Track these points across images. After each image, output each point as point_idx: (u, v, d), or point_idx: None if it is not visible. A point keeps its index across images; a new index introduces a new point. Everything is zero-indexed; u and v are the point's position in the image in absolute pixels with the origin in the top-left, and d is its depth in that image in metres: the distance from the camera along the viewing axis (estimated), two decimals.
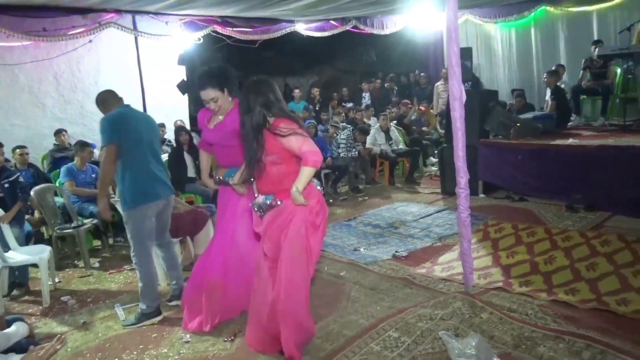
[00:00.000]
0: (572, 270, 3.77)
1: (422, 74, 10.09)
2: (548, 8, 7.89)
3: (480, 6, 8.30)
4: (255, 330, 2.85)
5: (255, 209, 2.72)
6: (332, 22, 8.11)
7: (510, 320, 2.93)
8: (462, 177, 3.13)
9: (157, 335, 3.18)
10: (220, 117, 3.12)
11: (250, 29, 7.29)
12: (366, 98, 9.95)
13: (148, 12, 6.54)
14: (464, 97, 3.06)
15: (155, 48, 6.90)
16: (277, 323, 2.66)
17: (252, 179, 2.75)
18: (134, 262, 3.32)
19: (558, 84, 7.06)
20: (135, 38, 6.66)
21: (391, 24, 8.68)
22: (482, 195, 6.19)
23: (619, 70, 6.95)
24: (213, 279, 3.18)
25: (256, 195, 2.75)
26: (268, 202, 2.64)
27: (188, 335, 3.12)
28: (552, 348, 2.60)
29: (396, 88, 10.80)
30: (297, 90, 9.35)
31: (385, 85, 10.87)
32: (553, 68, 7.39)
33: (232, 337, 3.05)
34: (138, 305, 3.40)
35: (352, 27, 8.36)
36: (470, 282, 3.34)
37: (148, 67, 6.87)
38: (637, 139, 5.33)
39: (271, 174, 2.60)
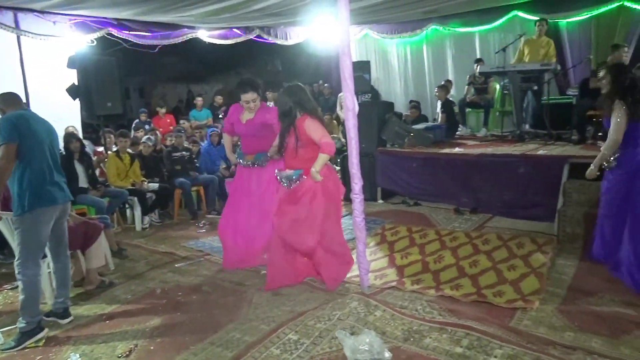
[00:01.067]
0: (458, 267, 4.12)
1: (325, 85, 10.41)
2: (438, 27, 8.56)
3: (376, 22, 8.77)
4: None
5: (282, 179, 3.59)
6: (235, 30, 8.09)
7: (401, 316, 3.14)
8: (357, 183, 3.30)
9: (43, 357, 2.95)
10: (251, 114, 4.07)
11: (148, 33, 7.04)
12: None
13: (32, 10, 6.06)
14: (357, 108, 3.23)
15: (42, 49, 6.41)
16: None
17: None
18: (17, 271, 3.06)
19: (448, 97, 7.68)
20: (18, 37, 6.13)
21: (295, 35, 8.87)
22: (380, 201, 6.53)
23: (497, 86, 7.72)
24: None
25: (281, 170, 3.66)
26: (294, 177, 3.51)
27: (77, 355, 2.93)
28: (436, 339, 2.83)
29: None
30: (199, 98, 9.15)
31: None
32: (442, 83, 8.03)
33: (128, 353, 2.92)
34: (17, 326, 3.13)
35: (256, 37, 8.41)
36: (365, 283, 3.52)
37: (33, 69, 6.35)
38: (511, 148, 5.96)
39: (299, 155, 3.51)
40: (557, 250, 4.39)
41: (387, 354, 2.64)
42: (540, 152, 5.47)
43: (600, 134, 5.51)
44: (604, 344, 2.77)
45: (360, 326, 3.00)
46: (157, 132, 7.21)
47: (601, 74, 3.95)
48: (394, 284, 3.80)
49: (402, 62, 9.38)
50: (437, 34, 8.77)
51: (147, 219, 5.97)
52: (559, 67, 6.84)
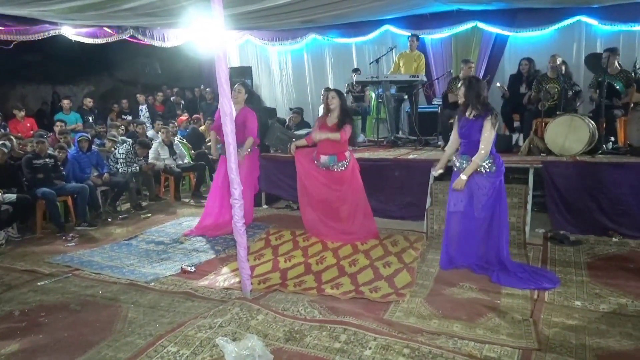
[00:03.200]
0: (338, 267, 4.29)
1: (207, 89, 10.18)
2: (317, 37, 8.87)
3: (257, 29, 8.82)
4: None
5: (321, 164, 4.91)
6: (106, 29, 7.58)
7: (283, 317, 3.18)
8: (236, 188, 3.29)
9: None
10: (235, 111, 4.72)
11: (1, 27, 6.30)
12: (143, 111, 9.51)
13: None
14: (234, 113, 3.22)
15: None
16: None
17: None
18: None
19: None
20: None
21: (173, 37, 8.55)
22: (265, 206, 6.56)
23: (373, 95, 8.21)
24: None
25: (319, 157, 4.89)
26: (332, 163, 4.87)
27: None
28: (316, 336, 2.92)
29: (182, 102, 10.65)
30: (66, 101, 8.33)
31: (172, 99, 10.62)
32: (323, 91, 8.29)
33: None
34: None
35: (129, 37, 7.95)
36: (247, 288, 3.51)
37: None
38: (386, 153, 6.36)
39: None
40: (426, 246, 4.78)
41: (269, 356, 2.66)
42: (411, 156, 5.92)
43: None
44: (463, 327, 3.08)
45: (242, 331, 2.98)
46: (12, 137, 6.43)
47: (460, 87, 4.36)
48: (277, 287, 3.85)
49: (284, 69, 9.55)
50: (317, 43, 9.08)
51: (2, 234, 5.31)
52: (424, 79, 7.49)
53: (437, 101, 7.77)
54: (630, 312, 3.27)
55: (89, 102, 8.89)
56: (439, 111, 7.24)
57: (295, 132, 6.76)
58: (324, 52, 9.16)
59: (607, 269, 4.06)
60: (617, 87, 5.82)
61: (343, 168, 4.93)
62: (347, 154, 4.96)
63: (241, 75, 7.04)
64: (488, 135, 3.80)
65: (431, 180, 5.46)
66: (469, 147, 3.96)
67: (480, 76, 7.53)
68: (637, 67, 6.00)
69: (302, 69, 9.40)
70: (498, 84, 7.32)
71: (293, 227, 5.42)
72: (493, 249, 4.05)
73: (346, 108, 4.95)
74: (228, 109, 3.18)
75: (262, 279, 4.02)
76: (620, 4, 6.65)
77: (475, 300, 3.50)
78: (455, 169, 4.08)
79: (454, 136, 4.15)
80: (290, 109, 8.52)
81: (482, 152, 3.83)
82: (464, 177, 3.90)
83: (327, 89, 5.11)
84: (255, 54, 9.58)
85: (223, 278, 4.09)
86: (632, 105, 5.78)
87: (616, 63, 6.02)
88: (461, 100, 4.02)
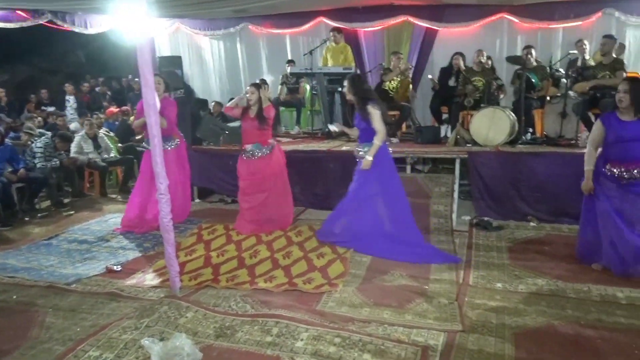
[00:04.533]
0: (272, 260, 4.26)
1: (136, 79, 9.72)
2: (250, 27, 8.71)
3: (188, 17, 8.52)
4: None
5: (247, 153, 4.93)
6: (20, 12, 7.00)
7: (214, 314, 3.11)
8: (162, 182, 3.16)
9: None
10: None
11: None
12: (71, 102, 8.95)
13: None
14: (159, 105, 3.08)
15: None
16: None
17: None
18: None
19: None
20: None
21: (96, 24, 8.05)
22: (197, 200, 6.39)
23: (308, 87, 8.19)
24: None
25: None
26: (257, 149, 4.94)
27: None
28: (248, 331, 2.88)
29: (109, 93, 10.12)
30: None
31: (97, 89, 10.06)
32: (258, 81, 8.16)
33: None
34: None
35: (47, 22, 7.40)
36: (176, 285, 3.40)
37: None
38: (320, 144, 6.36)
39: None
40: None
41: (198, 354, 2.59)
42: (344, 148, 5.98)
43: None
44: (393, 314, 3.17)
45: (170, 330, 2.88)
46: None
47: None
48: (208, 282, 3.76)
49: (217, 59, 9.29)
50: (251, 34, 8.92)
51: None
52: (358, 71, 7.57)
53: None
54: (544, 292, 3.50)
55: (0, 92, 8.21)
56: None
57: (229, 124, 6.62)
58: (258, 43, 9.01)
59: (525, 252, 4.32)
60: (533, 81, 6.17)
61: (268, 151, 4.96)
62: (270, 140, 5.02)
63: (171, 65, 6.75)
64: (376, 116, 4.25)
65: None
66: (365, 135, 4.42)
67: (412, 69, 7.73)
68: (553, 62, 6.41)
69: (235, 59, 9.19)
70: (429, 76, 7.56)
71: (226, 221, 5.31)
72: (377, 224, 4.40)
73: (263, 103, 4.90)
74: (152, 100, 3.04)
75: (193, 275, 3.91)
76: (539, 2, 7.04)
77: (405, 287, 3.60)
78: (358, 159, 4.51)
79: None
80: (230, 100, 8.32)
81: (379, 133, 4.28)
82: (369, 157, 4.30)
83: (251, 84, 5.05)
84: (187, 44, 9.25)
85: (152, 276, 3.94)
86: (548, 98, 6.16)
87: (533, 59, 6.38)
88: (349, 97, 4.47)
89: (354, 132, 4.71)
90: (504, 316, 3.12)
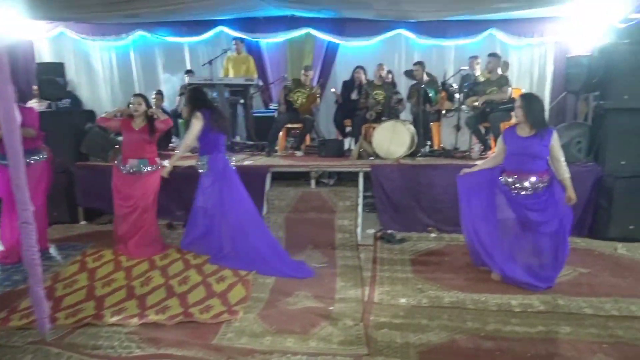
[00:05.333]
0: (167, 287, 3.89)
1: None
2: (145, 34, 8.16)
3: (73, 20, 7.75)
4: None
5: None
6: None
7: (92, 359, 2.71)
8: (27, 209, 2.69)
9: None
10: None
11: None
12: None
13: None
14: (19, 118, 2.64)
15: None
16: None
17: None
18: None
19: (162, 106, 7.38)
20: None
21: None
22: (83, 222, 5.78)
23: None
24: None
25: None
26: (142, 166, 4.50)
27: None
28: None
29: None
30: None
31: None
32: (155, 92, 7.64)
33: None
34: None
35: None
36: (46, 327, 2.92)
37: None
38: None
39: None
40: None
41: None
42: (247, 162, 5.74)
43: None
44: (297, 341, 2.98)
45: None
46: None
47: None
48: (90, 319, 3.31)
49: (108, 67, 8.56)
50: (145, 41, 8.34)
51: None
52: (261, 83, 7.39)
53: (274, 105, 7.74)
54: (446, 304, 3.53)
55: None
56: (276, 115, 7.22)
57: (118, 138, 6.06)
58: (153, 51, 8.45)
59: (427, 263, 4.38)
60: (431, 95, 6.41)
61: (154, 169, 4.59)
62: (157, 159, 4.65)
63: (51, 73, 6.06)
64: (189, 129, 4.33)
65: (267, 186, 5.35)
66: (203, 147, 4.44)
67: (315, 81, 7.68)
68: (447, 77, 6.70)
69: (129, 68, 8.54)
70: (332, 90, 7.57)
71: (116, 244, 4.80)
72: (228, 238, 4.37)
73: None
74: (9, 113, 2.58)
75: (71, 312, 3.43)
76: (432, 20, 7.37)
77: (309, 310, 3.44)
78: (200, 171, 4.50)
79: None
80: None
81: (183, 142, 4.52)
82: (168, 166, 4.49)
83: (135, 95, 4.71)
84: (72, 50, 8.39)
85: (19, 315, 3.39)
86: (443, 112, 6.42)
87: (424, 75, 6.64)
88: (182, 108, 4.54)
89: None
90: (408, 334, 3.07)
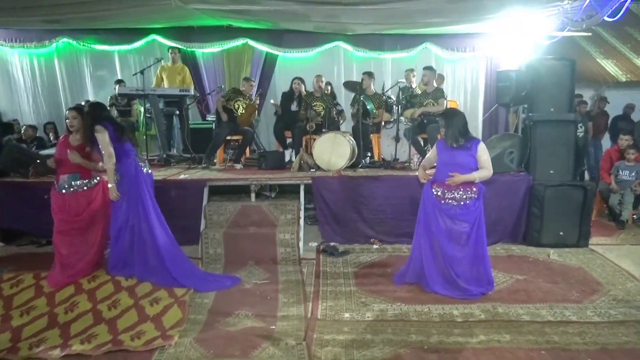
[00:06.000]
0: (94, 313, 3.59)
1: None
2: (70, 41, 7.67)
3: None
4: None
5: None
6: None
7: None
8: None
9: None
10: None
11: None
12: None
13: None
14: None
15: None
16: None
17: None
18: None
19: None
20: None
21: None
22: (0, 245, 5.27)
23: (142, 109, 7.48)
24: None
25: None
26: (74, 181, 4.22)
27: None
28: None
29: None
30: None
31: None
32: (83, 103, 7.18)
33: None
34: None
35: None
36: None
37: None
38: (157, 172, 5.68)
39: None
40: None
41: None
42: (182, 176, 5.48)
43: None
44: None
45: None
46: None
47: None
48: (3, 354, 2.97)
49: (29, 76, 7.97)
50: (71, 49, 7.86)
51: None
52: (197, 94, 7.16)
53: (211, 117, 7.51)
54: (389, 317, 3.49)
55: None
56: (214, 126, 7.00)
57: (41, 152, 5.62)
58: (80, 60, 7.96)
59: (370, 276, 4.34)
60: (369, 108, 6.46)
61: (93, 185, 4.29)
62: (94, 173, 4.34)
63: None
64: (101, 142, 4.04)
65: (205, 201, 5.13)
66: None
67: (254, 92, 7.55)
68: (385, 90, 6.79)
69: (53, 77, 7.99)
70: (272, 101, 7.46)
71: (38, 268, 4.39)
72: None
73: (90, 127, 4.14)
74: None
75: None
76: (370, 34, 7.48)
77: (250, 330, 3.28)
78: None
79: None
80: (47, 124, 7.19)
81: (105, 156, 4.08)
82: (110, 185, 4.12)
83: (69, 108, 4.36)
84: None
85: None
86: (383, 124, 6.48)
87: (372, 86, 6.70)
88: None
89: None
90: (352, 351, 2.99)
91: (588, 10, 5.23)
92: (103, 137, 4.04)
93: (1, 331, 3.30)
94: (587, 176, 7.91)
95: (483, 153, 3.79)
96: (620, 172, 6.13)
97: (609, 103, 8.71)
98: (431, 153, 4.06)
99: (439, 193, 3.83)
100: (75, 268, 4.19)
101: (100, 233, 4.33)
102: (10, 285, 4.11)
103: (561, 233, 5.09)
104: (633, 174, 6.05)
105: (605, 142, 8.67)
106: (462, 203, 3.78)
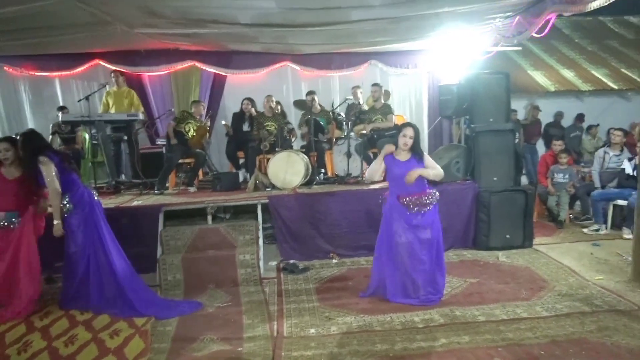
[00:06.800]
0: (51, 351, 3.45)
1: None
2: (5, 68, 7.36)
3: None
4: None
5: None
6: None
7: None
8: None
9: None
10: None
11: None
12: None
13: None
14: None
15: None
16: None
17: None
18: None
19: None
20: None
21: None
22: None
23: (87, 136, 7.26)
24: None
25: None
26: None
27: None
28: None
29: None
30: None
31: None
32: (26, 130, 6.85)
33: None
34: None
35: None
36: None
37: None
38: (107, 200, 5.53)
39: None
40: None
41: None
42: (135, 202, 5.38)
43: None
44: None
45: None
46: None
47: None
48: None
49: None
50: (7, 76, 7.53)
51: None
52: (146, 118, 7.05)
53: (161, 141, 7.40)
54: (354, 329, 3.58)
55: None
56: (164, 150, 6.91)
57: None
58: (18, 86, 7.61)
59: (332, 290, 4.42)
60: (322, 123, 6.61)
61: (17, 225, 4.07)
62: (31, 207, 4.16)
63: None
64: (46, 175, 3.86)
65: (160, 226, 5.05)
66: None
67: (204, 114, 7.52)
68: (335, 107, 6.97)
69: None
70: (223, 122, 7.45)
71: None
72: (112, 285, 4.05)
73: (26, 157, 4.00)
74: None
75: None
76: (316, 53, 7.65)
77: (217, 354, 3.27)
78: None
79: None
80: None
81: (51, 191, 3.90)
82: (56, 221, 3.92)
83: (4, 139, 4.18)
84: None
85: None
86: (334, 140, 6.64)
87: (317, 104, 6.86)
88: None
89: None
90: None
91: (518, 27, 5.63)
92: (48, 169, 3.87)
93: None
94: (525, 180, 8.41)
95: (428, 158, 4.07)
96: (556, 175, 6.58)
97: (541, 111, 9.33)
98: (377, 165, 4.14)
99: (404, 202, 3.96)
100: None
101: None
102: None
103: (507, 236, 5.39)
104: (567, 176, 6.52)
105: (540, 147, 9.27)
106: (426, 209, 3.94)
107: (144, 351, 3.36)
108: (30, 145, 3.95)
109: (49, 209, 4.14)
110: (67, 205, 3.99)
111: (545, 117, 9.43)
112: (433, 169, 3.99)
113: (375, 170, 4.17)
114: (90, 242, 4.03)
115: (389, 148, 4.04)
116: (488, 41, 6.70)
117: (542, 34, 5.30)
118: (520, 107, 9.12)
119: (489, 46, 6.91)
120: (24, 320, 3.92)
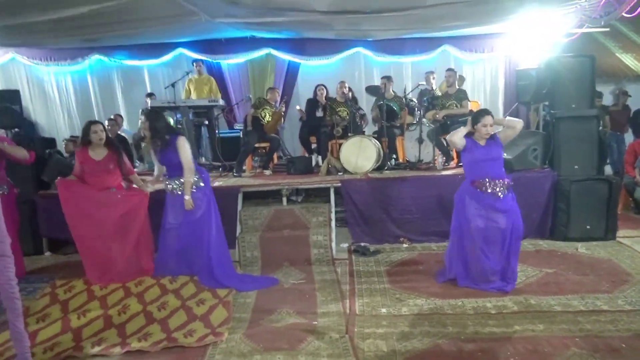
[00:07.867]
0: (145, 314, 3.81)
1: None
2: (102, 58, 8.03)
3: (25, 46, 7.54)
4: None
5: None
6: None
7: None
8: (2, 241, 2.61)
9: None
10: None
11: None
12: None
13: None
14: None
15: None
16: None
17: None
18: None
19: (119, 132, 7.26)
20: None
21: None
22: (47, 254, 5.59)
23: (172, 121, 7.74)
24: None
25: None
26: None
27: None
28: None
29: None
30: None
31: None
32: (112, 117, 7.51)
33: None
34: None
35: None
36: None
37: None
38: None
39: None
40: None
41: None
42: (216, 183, 5.72)
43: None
44: (286, 357, 3.00)
45: None
46: None
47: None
48: (69, 352, 3.21)
49: (64, 93, 8.36)
50: (103, 65, 8.22)
51: None
52: (224, 104, 7.42)
53: (238, 126, 7.77)
54: (425, 311, 3.64)
55: None
56: (242, 135, 7.26)
57: None
58: (111, 75, 8.32)
59: (402, 273, 4.50)
60: (395, 109, 6.62)
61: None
62: (123, 183, 4.64)
63: (6, 101, 5.87)
64: (185, 153, 4.21)
65: (239, 206, 5.35)
66: (174, 170, 4.33)
67: (279, 100, 7.79)
68: (407, 92, 6.96)
69: (86, 93, 8.36)
70: (297, 107, 7.68)
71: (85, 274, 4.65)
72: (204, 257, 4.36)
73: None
74: None
75: (48, 346, 3.30)
76: (389, 39, 7.65)
77: (294, 326, 3.47)
78: (169, 192, 4.39)
79: (157, 164, 4.51)
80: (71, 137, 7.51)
81: (187, 169, 4.23)
82: (187, 197, 4.24)
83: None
84: (25, 76, 8.16)
85: None
86: (406, 125, 6.64)
87: (391, 89, 6.88)
88: (147, 133, 4.33)
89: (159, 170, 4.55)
90: (393, 342, 3.16)
91: (606, 7, 5.32)
92: (186, 147, 4.23)
93: (63, 332, 3.54)
94: (610, 170, 7.94)
95: (499, 134, 4.06)
96: None
97: (630, 97, 8.71)
98: (462, 132, 4.03)
99: (481, 187, 3.93)
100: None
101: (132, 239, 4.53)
102: (64, 291, 4.36)
103: (588, 227, 5.17)
104: None
105: (628, 136, 8.67)
106: (502, 195, 3.89)
107: (227, 319, 3.63)
108: (161, 123, 4.30)
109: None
110: (200, 182, 4.36)
111: (635, 104, 8.79)
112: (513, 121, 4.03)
113: (462, 133, 4.02)
114: (207, 216, 4.36)
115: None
116: (571, 23, 6.36)
117: (634, 13, 4.97)
118: (606, 92, 8.56)
119: (572, 28, 6.55)
120: (121, 286, 4.36)
